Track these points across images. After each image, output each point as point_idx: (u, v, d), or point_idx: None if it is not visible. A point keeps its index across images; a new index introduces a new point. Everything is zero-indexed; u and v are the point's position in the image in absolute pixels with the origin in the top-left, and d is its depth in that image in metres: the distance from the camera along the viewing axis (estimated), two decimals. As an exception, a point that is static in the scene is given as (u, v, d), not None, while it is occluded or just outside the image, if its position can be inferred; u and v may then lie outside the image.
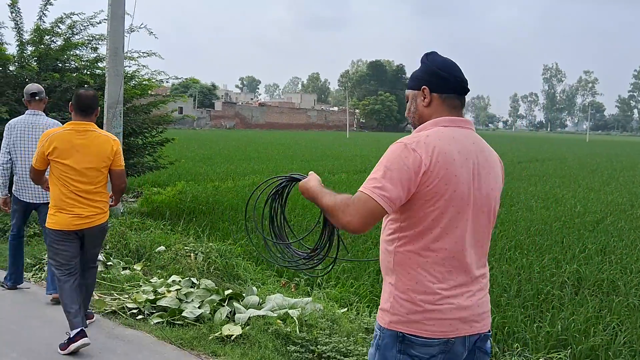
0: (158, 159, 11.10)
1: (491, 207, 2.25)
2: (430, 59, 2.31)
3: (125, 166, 9.12)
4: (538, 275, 6.62)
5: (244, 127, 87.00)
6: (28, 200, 5.46)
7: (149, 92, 10.86)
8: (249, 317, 4.75)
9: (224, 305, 5.04)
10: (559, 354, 4.51)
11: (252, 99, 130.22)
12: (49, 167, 4.41)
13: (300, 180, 2.42)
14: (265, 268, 6.67)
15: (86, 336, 4.23)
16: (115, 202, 4.89)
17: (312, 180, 2.33)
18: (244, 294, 5.28)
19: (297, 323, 4.57)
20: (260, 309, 4.95)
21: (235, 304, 5.02)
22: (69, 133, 4.33)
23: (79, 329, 4.21)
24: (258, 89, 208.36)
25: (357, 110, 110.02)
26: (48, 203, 4.86)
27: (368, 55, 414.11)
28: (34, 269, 6.43)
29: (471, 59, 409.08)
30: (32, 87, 5.71)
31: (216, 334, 4.52)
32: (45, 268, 6.25)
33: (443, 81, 2.25)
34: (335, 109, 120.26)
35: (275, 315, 4.79)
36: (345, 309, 5.19)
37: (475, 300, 2.19)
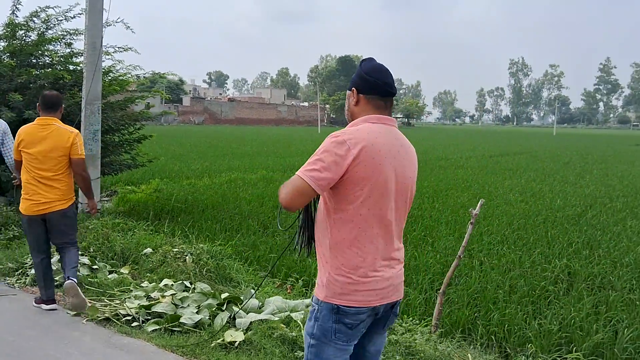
0: (136, 157, 10.80)
1: (408, 193, 2.63)
2: (362, 65, 2.65)
3: (101, 165, 8.88)
4: (529, 270, 6.59)
5: (213, 123, 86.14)
6: None
7: (127, 87, 10.53)
8: (250, 321, 4.58)
9: (222, 310, 4.84)
10: (573, 354, 4.44)
11: (220, 94, 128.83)
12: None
13: None
14: (257, 269, 6.50)
15: (55, 303, 5.21)
16: (90, 205, 5.54)
17: None
18: (242, 297, 5.10)
19: (302, 327, 4.41)
20: (260, 313, 4.78)
21: (235, 308, 4.84)
22: (34, 127, 5.10)
23: (51, 299, 5.18)
24: (226, 84, 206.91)
25: (327, 106, 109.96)
26: None
27: (337, 50, 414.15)
28: (16, 273, 6.13)
29: (438, 53, 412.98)
30: None
31: (218, 341, 4.34)
32: (29, 272, 6.00)
33: (368, 84, 2.59)
34: (306, 104, 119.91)
35: (277, 318, 4.62)
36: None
37: (394, 272, 2.59)
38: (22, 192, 5.10)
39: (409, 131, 79.48)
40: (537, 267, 6.80)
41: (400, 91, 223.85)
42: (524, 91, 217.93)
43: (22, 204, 5.09)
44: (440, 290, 4.88)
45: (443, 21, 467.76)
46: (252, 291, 5.24)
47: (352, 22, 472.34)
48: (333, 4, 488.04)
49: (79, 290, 4.93)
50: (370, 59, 2.67)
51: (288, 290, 5.75)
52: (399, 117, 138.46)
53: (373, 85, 2.58)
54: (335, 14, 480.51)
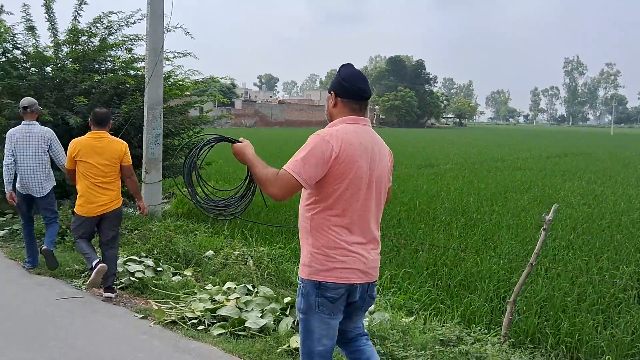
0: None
1: (383, 186, 2.96)
2: (341, 70, 2.95)
3: (162, 168, 9.03)
4: (598, 277, 6.34)
5: (264, 126, 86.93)
6: (26, 193, 6.50)
7: (186, 92, 10.69)
8: (315, 327, 4.53)
9: (286, 315, 4.83)
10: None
11: (270, 96, 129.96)
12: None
13: (233, 142, 3.06)
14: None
15: (103, 262, 5.61)
16: (140, 206, 6.21)
17: (248, 148, 3.00)
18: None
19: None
20: (324, 319, 4.72)
21: (298, 313, 4.80)
22: (89, 140, 5.77)
23: (96, 260, 5.58)
24: (276, 86, 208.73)
25: (376, 107, 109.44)
26: (45, 197, 6.52)
27: (387, 51, 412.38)
28: (82, 275, 6.26)
29: (491, 52, 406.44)
30: (24, 101, 6.62)
31: (284, 347, 4.31)
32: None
33: (344, 89, 2.90)
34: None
35: (342, 325, 4.56)
36: (412, 318, 4.95)
37: (371, 255, 2.90)
38: (80, 197, 5.72)
39: (461, 131, 78.41)
40: (605, 274, 6.55)
41: (452, 91, 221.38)
42: (580, 90, 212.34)
43: (83, 208, 5.72)
44: (511, 299, 4.73)
45: (496, 19, 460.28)
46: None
47: (400, 22, 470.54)
48: (382, 4, 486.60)
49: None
50: (348, 65, 2.98)
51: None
52: (451, 117, 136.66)
53: (349, 90, 2.89)
54: (384, 14, 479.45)
